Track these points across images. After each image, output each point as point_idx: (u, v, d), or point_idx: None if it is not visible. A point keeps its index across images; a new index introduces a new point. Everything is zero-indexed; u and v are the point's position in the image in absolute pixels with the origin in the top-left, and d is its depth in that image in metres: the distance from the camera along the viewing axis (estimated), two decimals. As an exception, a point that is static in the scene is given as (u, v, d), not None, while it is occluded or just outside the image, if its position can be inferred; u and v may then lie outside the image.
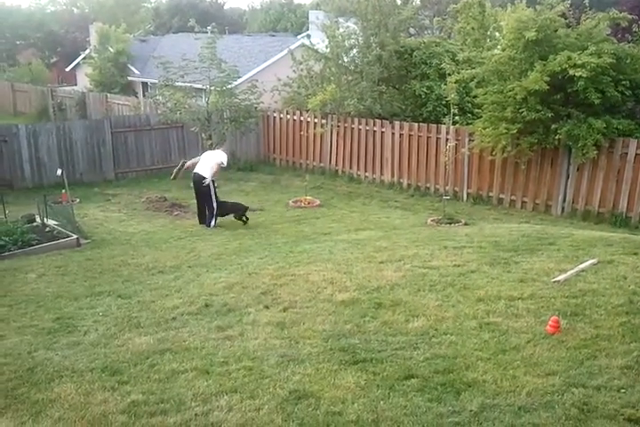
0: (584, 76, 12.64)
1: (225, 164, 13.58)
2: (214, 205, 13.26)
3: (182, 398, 5.16)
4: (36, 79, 36.72)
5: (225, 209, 13.46)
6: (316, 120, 18.92)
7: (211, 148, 17.13)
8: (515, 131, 13.66)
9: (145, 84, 30.20)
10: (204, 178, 13.17)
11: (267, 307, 7.20)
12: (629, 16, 14.29)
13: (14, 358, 6.25)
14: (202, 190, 13.32)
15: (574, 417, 4.57)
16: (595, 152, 13.16)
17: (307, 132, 19.15)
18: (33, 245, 11.48)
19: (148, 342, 6.44)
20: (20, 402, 5.28)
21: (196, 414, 4.87)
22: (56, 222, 12.74)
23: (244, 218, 13.44)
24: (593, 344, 5.73)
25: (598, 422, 4.52)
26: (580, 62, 12.74)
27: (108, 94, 27.75)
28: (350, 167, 18.40)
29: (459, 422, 4.59)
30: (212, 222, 13.19)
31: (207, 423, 4.72)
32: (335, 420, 4.69)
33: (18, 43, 46.89)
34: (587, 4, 14.47)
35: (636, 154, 13.09)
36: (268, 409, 4.88)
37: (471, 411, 4.71)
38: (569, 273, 7.59)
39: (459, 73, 14.96)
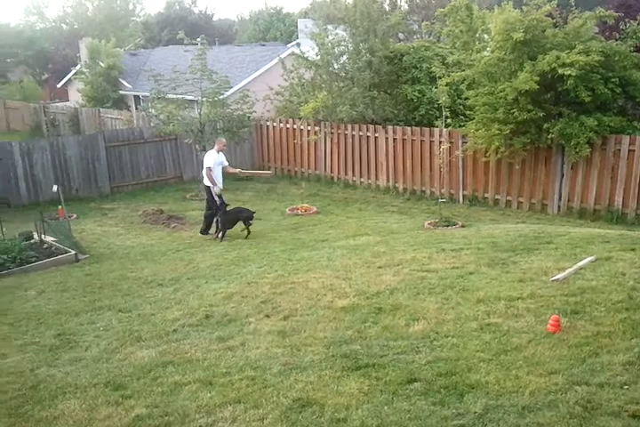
0: (573, 74, 12.70)
1: (210, 165, 13.16)
2: (220, 213, 13.10)
3: (186, 410, 5.16)
4: (28, 96, 36.79)
5: (230, 219, 13.11)
6: (309, 128, 18.97)
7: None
8: (507, 131, 13.71)
9: (137, 98, 30.21)
10: (206, 186, 13.30)
11: (267, 316, 7.20)
12: (616, 14, 14.34)
13: (17, 376, 6.25)
14: (207, 198, 13.45)
15: (578, 415, 4.57)
16: (588, 150, 13.20)
17: (300, 139, 19.20)
18: (31, 263, 11.49)
19: (150, 355, 6.45)
20: (25, 420, 5.28)
21: (200, 426, 4.87)
22: (54, 239, 12.74)
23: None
24: (594, 342, 5.73)
25: (602, 419, 4.52)
26: (568, 61, 12.81)
27: (101, 109, 27.76)
28: (345, 173, 18.44)
29: (463, 424, 4.59)
30: (220, 235, 12.95)
31: (212, 435, 4.72)
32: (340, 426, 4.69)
33: (8, 60, 46.89)
34: (573, 4, 14.54)
35: (629, 150, 13.15)
36: (273, 418, 4.88)
37: (475, 413, 4.71)
38: (567, 271, 7.60)
39: (449, 76, 15.02)
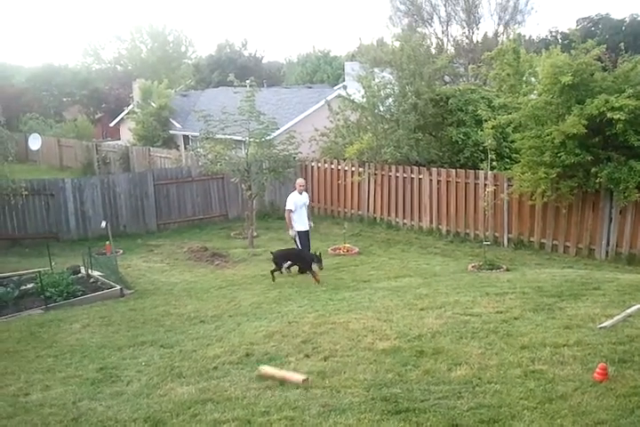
0: (622, 118, 12.59)
1: (290, 207, 13.24)
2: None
3: (224, 448, 5.13)
4: (82, 134, 37.89)
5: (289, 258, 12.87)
6: (353, 168, 19.10)
7: (250, 198, 17.41)
8: (554, 175, 13.60)
9: (186, 137, 30.91)
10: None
11: (307, 356, 7.16)
12: (666, 58, 14.25)
13: (59, 408, 6.31)
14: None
15: (626, 468, 4.42)
16: (637, 195, 12.98)
17: (344, 180, 19.33)
18: (78, 296, 11.72)
19: (190, 391, 6.45)
20: (65, 453, 5.31)
21: (238, 466, 4.84)
22: (100, 273, 12.98)
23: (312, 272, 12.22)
24: (643, 392, 5.55)
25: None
26: (617, 105, 12.71)
27: (151, 148, 28.45)
28: (388, 214, 18.44)
29: (506, 473, 4.46)
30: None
31: (249, 475, 4.68)
32: (379, 471, 4.61)
33: (64, 100, 48.75)
34: (622, 47, 14.49)
35: (680, 195, 12.88)
36: (311, 460, 4.82)
37: (519, 462, 4.59)
38: (615, 318, 7.42)
39: (495, 118, 15.03)
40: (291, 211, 13.24)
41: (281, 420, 5.55)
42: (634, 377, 5.86)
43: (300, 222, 13.41)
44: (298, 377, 6.11)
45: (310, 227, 13.66)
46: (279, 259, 12.67)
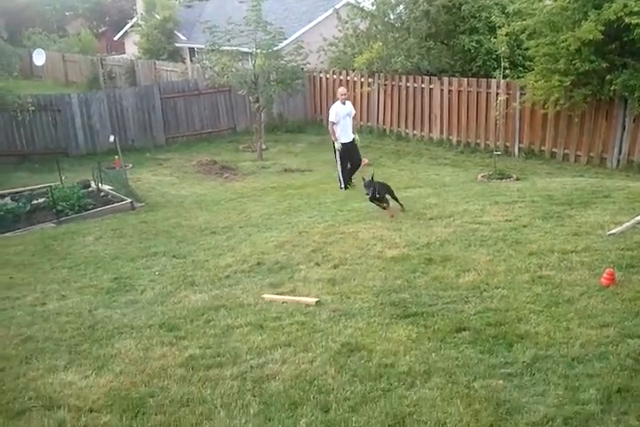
0: (641, 23, 12.14)
1: (333, 119, 12.53)
2: (338, 166, 12.68)
3: (238, 351, 5.29)
4: (86, 49, 37.09)
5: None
6: (362, 79, 18.72)
7: (258, 111, 17.20)
8: (568, 83, 13.27)
9: (192, 50, 30.23)
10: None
11: (317, 264, 7.26)
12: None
13: (76, 317, 6.49)
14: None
15: (629, 367, 4.51)
16: (653, 102, 12.73)
17: (354, 91, 18.96)
18: (89, 210, 11.84)
19: (204, 299, 6.60)
20: (84, 357, 5.48)
21: (251, 367, 4.99)
22: (110, 187, 13.05)
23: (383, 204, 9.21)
24: (649, 296, 5.62)
25: (655, 371, 4.46)
26: (636, 9, 12.22)
27: (156, 61, 27.94)
28: (398, 125, 18.21)
29: (511, 373, 4.59)
30: (340, 184, 12.54)
31: (262, 375, 4.83)
32: (387, 371, 4.74)
33: (67, 14, 47.45)
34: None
35: (696, 103, 12.61)
36: (321, 361, 4.97)
37: (524, 362, 4.70)
38: (624, 226, 7.42)
39: (509, 25, 14.51)
40: (333, 123, 12.50)
41: (292, 324, 5.69)
42: (640, 282, 5.92)
43: (344, 135, 12.61)
44: (310, 300, 6.18)
45: (355, 140, 12.76)
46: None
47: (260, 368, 4.96)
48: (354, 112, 13.12)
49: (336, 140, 12.55)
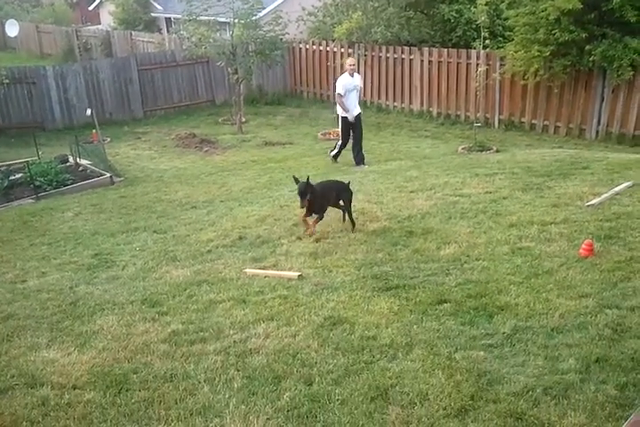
0: (620, -8, 12.12)
1: (340, 91, 11.93)
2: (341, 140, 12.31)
3: (221, 326, 5.30)
4: (60, 20, 36.31)
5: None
6: (342, 50, 18.55)
7: (237, 82, 17.00)
8: (547, 53, 13.27)
9: (169, 20, 29.72)
10: (339, 115, 12.28)
11: (299, 238, 7.26)
12: None
13: (57, 294, 6.45)
14: (341, 128, 12.34)
15: (608, 337, 4.59)
16: (631, 73, 12.76)
17: (334, 62, 18.80)
18: (67, 185, 11.72)
19: (185, 274, 6.59)
20: (66, 334, 5.46)
21: (234, 342, 5.01)
22: (89, 162, 12.91)
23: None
24: (627, 266, 5.68)
25: (632, 341, 4.52)
26: (616, -22, 12.20)
27: (133, 32, 27.44)
28: (379, 97, 18.13)
29: (492, 344, 4.64)
30: (332, 151, 12.30)
31: (245, 350, 4.85)
32: (370, 344, 4.78)
33: (39, -18, 46.25)
34: None
35: (675, 73, 12.66)
36: (304, 335, 5.00)
37: (504, 333, 4.76)
38: (603, 197, 7.49)
39: (489, -6, 14.41)
40: (341, 95, 11.94)
41: (275, 298, 5.71)
42: (618, 253, 5.99)
43: (350, 108, 12.08)
44: (292, 274, 6.19)
45: (360, 114, 12.24)
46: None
47: (244, 343, 4.97)
48: (361, 85, 12.68)
49: (347, 111, 11.98)
